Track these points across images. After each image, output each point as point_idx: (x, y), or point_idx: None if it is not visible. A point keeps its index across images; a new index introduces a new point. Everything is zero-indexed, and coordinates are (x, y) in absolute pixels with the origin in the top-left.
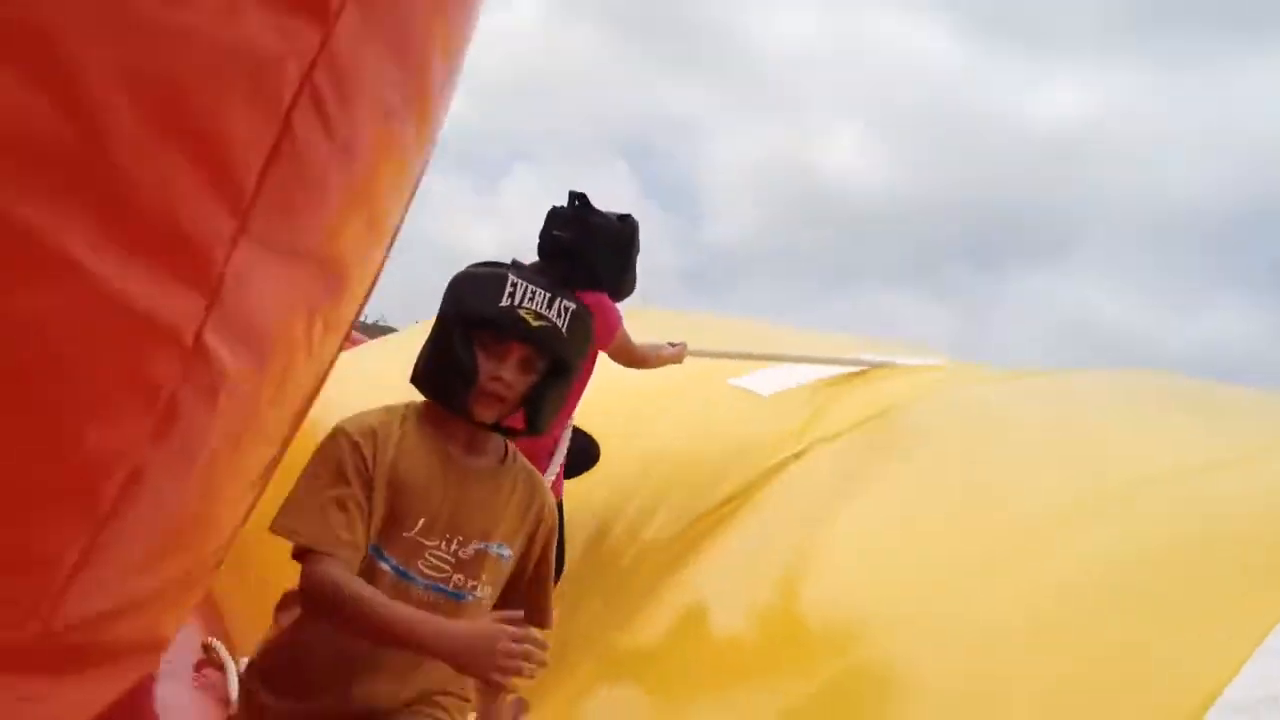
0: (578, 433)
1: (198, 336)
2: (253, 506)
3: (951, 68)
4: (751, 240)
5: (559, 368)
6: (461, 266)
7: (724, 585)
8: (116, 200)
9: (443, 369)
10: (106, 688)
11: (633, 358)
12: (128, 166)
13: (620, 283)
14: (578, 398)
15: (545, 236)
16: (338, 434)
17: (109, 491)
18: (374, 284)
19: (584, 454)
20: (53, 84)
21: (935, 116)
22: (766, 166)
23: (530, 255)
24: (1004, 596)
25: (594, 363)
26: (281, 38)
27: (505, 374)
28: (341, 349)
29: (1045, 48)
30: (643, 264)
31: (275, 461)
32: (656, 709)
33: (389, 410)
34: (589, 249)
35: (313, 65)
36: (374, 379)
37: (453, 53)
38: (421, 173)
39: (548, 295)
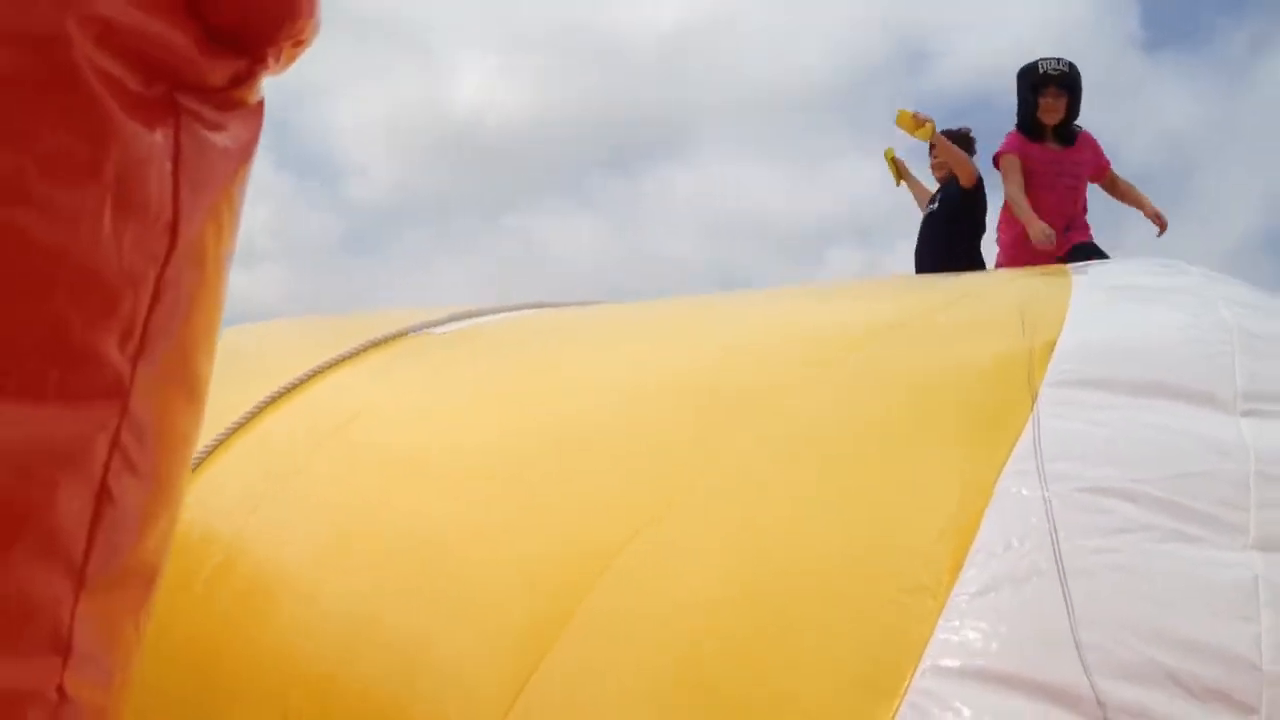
0: None
1: (60, 688)
2: None
3: None
4: (401, 190)
5: None
6: None
7: None
8: None
9: None
10: None
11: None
12: None
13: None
14: None
15: None
16: None
17: None
18: None
19: None
20: None
21: (555, 35)
22: (402, 115)
23: None
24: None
25: None
26: (87, 423)
27: None
28: None
29: None
30: (296, 236)
31: None
32: None
33: None
34: None
35: (118, 431)
36: None
37: (214, 342)
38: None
39: None
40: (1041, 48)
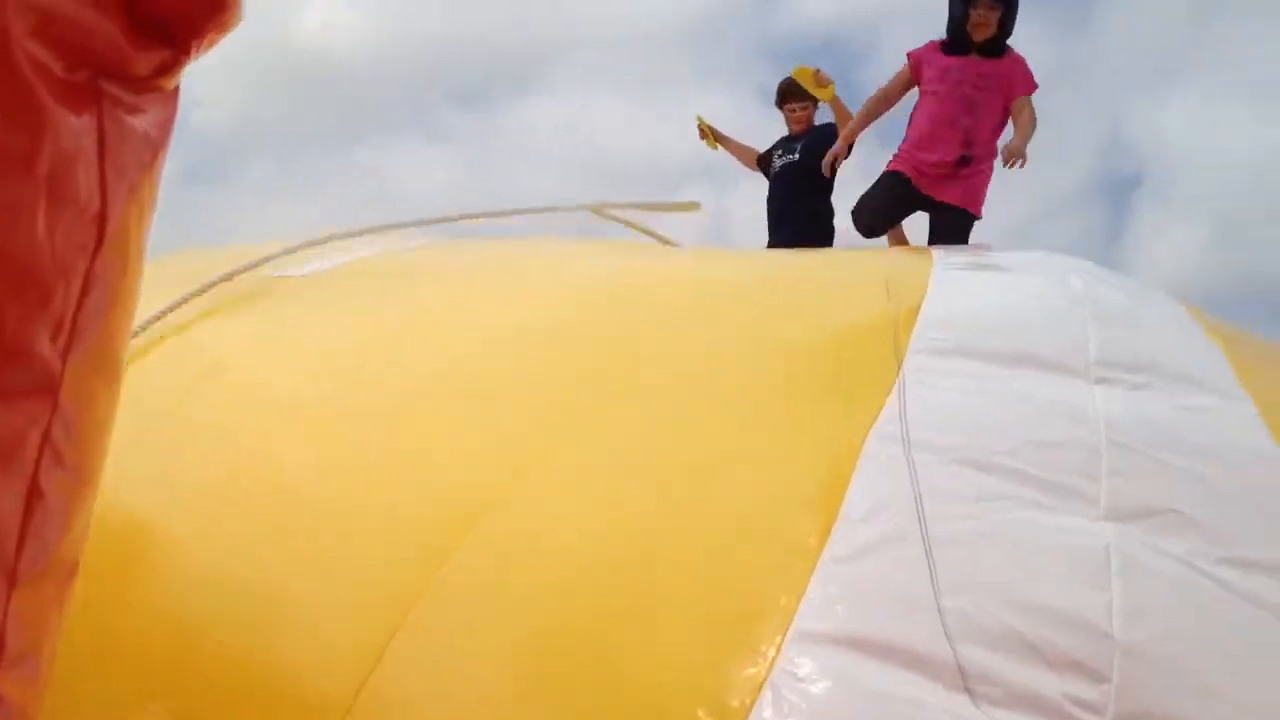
0: None
1: None
2: None
3: None
4: (244, 120)
5: None
6: None
7: None
8: None
9: None
10: None
11: None
12: None
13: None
14: None
15: None
16: None
17: None
18: None
19: None
20: None
21: None
22: (244, 44)
23: None
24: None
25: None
26: (21, 419)
27: None
28: None
29: None
30: None
31: None
32: None
33: None
34: None
35: (49, 426)
36: None
37: (131, 325)
38: None
39: None
40: None
